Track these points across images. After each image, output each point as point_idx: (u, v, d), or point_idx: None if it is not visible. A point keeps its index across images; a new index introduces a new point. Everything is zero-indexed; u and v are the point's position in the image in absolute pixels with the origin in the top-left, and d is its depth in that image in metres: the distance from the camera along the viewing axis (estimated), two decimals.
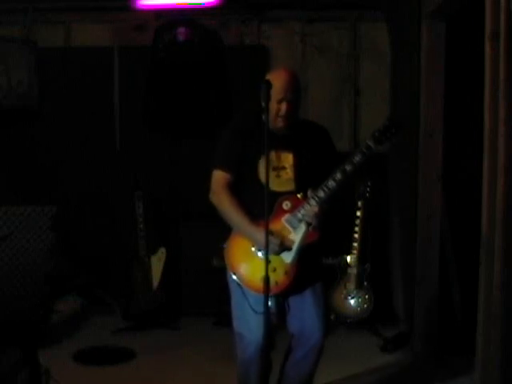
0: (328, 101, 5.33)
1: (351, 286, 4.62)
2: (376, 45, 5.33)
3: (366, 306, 4.58)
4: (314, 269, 3.03)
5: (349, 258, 4.63)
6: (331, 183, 2.80)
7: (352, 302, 4.61)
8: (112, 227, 5.39)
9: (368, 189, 4.60)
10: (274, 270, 2.83)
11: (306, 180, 2.94)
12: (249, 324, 3.00)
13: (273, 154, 2.91)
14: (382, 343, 4.45)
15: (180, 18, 5.13)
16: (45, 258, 4.45)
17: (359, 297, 4.59)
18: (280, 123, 2.90)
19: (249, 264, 2.94)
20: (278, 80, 2.86)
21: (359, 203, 4.62)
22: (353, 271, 4.61)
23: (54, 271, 4.51)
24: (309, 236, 2.87)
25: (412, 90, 4.28)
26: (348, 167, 2.79)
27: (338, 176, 2.79)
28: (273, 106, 2.85)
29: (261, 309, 2.84)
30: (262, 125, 2.83)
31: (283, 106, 2.87)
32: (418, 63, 4.12)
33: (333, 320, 4.73)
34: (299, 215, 2.86)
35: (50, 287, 4.49)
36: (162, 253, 4.94)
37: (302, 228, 2.86)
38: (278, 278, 2.85)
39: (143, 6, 4.98)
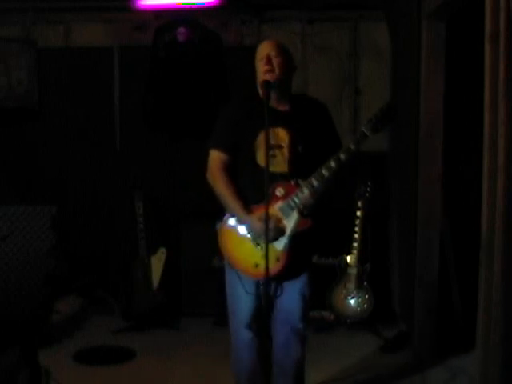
0: (328, 101, 5.28)
1: (351, 285, 4.62)
2: (376, 45, 5.33)
3: (366, 306, 4.58)
4: (305, 257, 3.05)
5: (349, 258, 4.62)
6: (325, 172, 2.80)
7: (352, 301, 4.61)
8: (112, 227, 5.40)
9: (368, 189, 4.60)
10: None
11: (300, 161, 2.94)
12: (240, 303, 3.05)
13: (270, 132, 2.86)
14: (382, 343, 4.45)
15: (180, 18, 5.13)
16: (45, 258, 4.45)
17: (359, 297, 4.59)
18: (267, 77, 2.87)
19: (241, 249, 2.96)
20: (261, 44, 3.04)
21: (359, 203, 4.62)
22: (353, 271, 4.61)
23: (55, 271, 4.51)
24: (301, 224, 2.88)
25: (412, 89, 4.28)
26: (342, 156, 2.78)
27: (333, 164, 2.79)
28: (258, 67, 2.95)
29: (252, 290, 2.97)
30: (261, 103, 2.81)
31: (262, 62, 2.92)
32: (418, 63, 4.12)
33: (333, 320, 4.74)
34: (292, 203, 2.86)
35: (50, 287, 4.49)
36: (162, 253, 4.94)
37: (295, 216, 2.87)
38: (270, 264, 2.84)
39: (143, 5, 4.98)
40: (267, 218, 2.64)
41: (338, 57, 5.38)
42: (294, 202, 2.86)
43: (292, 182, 2.89)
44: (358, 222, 4.61)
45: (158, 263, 4.92)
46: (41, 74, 5.27)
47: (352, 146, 2.78)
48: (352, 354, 4.29)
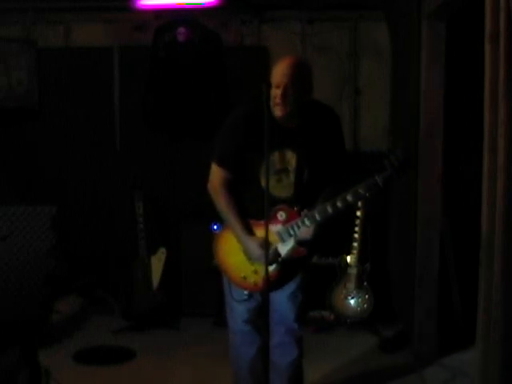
0: (328, 101, 5.28)
1: (351, 285, 4.62)
2: (376, 45, 5.33)
3: (365, 306, 4.58)
4: (296, 271, 3.02)
5: (349, 258, 4.63)
6: (329, 208, 2.74)
7: (352, 302, 4.61)
8: (112, 227, 5.40)
9: None
10: (256, 272, 2.89)
11: (305, 186, 2.92)
12: (232, 308, 3.07)
13: (276, 155, 2.85)
14: (381, 343, 4.45)
15: (180, 18, 5.13)
16: (45, 258, 4.45)
17: (359, 297, 4.59)
18: (277, 111, 2.78)
19: (232, 260, 2.97)
20: (277, 65, 2.82)
21: (359, 203, 4.61)
22: (353, 271, 4.61)
23: (55, 271, 4.51)
24: (296, 252, 2.89)
25: (412, 89, 4.28)
26: (350, 198, 2.71)
27: (338, 204, 2.72)
28: (272, 92, 2.77)
29: (241, 298, 2.98)
30: (270, 118, 2.65)
31: (277, 92, 2.75)
32: (418, 63, 4.12)
33: (333, 320, 4.74)
34: (291, 231, 2.85)
35: (50, 287, 4.49)
36: (162, 253, 4.94)
37: (291, 243, 2.87)
38: (258, 280, 2.89)
39: (143, 5, 4.98)
40: (267, 244, 2.61)
41: (337, 57, 5.38)
42: (294, 230, 2.85)
43: (295, 209, 2.86)
44: (358, 221, 4.61)
45: (158, 263, 4.92)
46: (41, 74, 5.27)
47: (361, 191, 2.70)
48: (352, 353, 4.29)
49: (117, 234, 5.37)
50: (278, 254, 2.88)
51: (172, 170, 5.40)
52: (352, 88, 5.38)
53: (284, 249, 2.89)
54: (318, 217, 2.78)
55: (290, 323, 3.08)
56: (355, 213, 4.62)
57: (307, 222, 2.81)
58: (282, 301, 3.04)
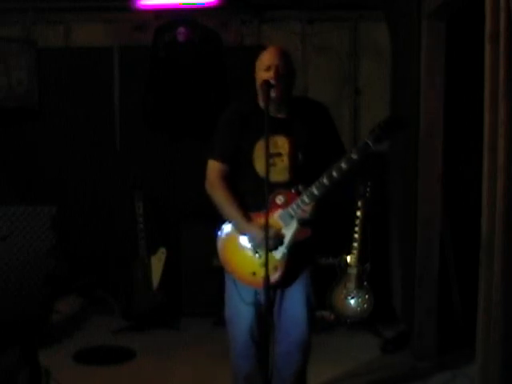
0: (328, 101, 5.28)
1: (351, 285, 4.62)
2: (376, 45, 5.33)
3: (366, 306, 4.58)
4: (304, 264, 3.00)
5: (349, 258, 4.63)
6: (326, 181, 2.72)
7: (352, 301, 4.61)
8: (112, 227, 5.40)
9: (368, 189, 4.60)
10: (264, 265, 2.82)
11: (301, 169, 2.90)
12: (238, 312, 3.01)
13: (269, 140, 2.83)
14: (382, 343, 4.45)
15: (180, 18, 5.13)
16: (45, 258, 4.45)
17: (359, 297, 4.59)
18: (272, 93, 2.78)
19: (239, 257, 2.94)
20: (263, 53, 2.89)
21: (359, 203, 4.62)
22: (353, 271, 4.61)
23: (55, 271, 4.51)
24: (300, 233, 2.84)
25: (412, 89, 4.28)
26: (344, 165, 2.69)
27: (334, 174, 2.70)
28: (261, 75, 2.82)
29: (250, 299, 2.94)
30: (259, 110, 2.79)
31: (270, 74, 2.79)
32: (418, 63, 4.12)
33: (333, 320, 4.74)
34: (292, 212, 2.82)
35: (50, 287, 4.49)
36: (162, 253, 4.94)
37: (294, 225, 2.83)
38: (268, 273, 2.83)
39: (143, 6, 4.98)
40: (267, 227, 2.61)
41: (338, 57, 5.38)
42: (294, 210, 2.82)
43: (293, 190, 2.84)
44: (357, 222, 4.61)
45: (158, 263, 4.92)
46: (41, 74, 5.28)
47: (354, 156, 2.68)
48: (352, 354, 4.29)
49: (117, 234, 5.37)
50: (281, 237, 2.84)
51: (172, 169, 5.40)
52: (352, 88, 5.38)
53: (288, 233, 2.84)
54: (316, 192, 2.75)
55: (300, 333, 3.04)
56: (355, 213, 4.62)
57: (306, 200, 2.78)
58: (293, 307, 3.00)
